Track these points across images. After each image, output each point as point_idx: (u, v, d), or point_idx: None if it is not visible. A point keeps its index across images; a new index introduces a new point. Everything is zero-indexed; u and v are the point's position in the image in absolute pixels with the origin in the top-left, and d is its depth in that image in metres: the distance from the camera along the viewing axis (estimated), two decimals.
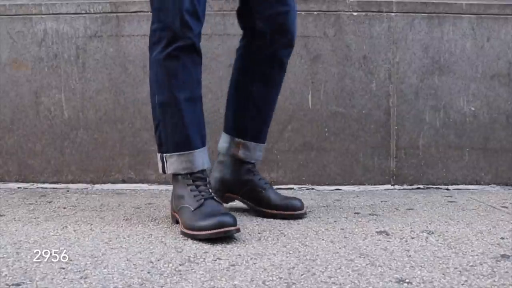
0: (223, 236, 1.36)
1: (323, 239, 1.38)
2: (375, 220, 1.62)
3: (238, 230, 1.38)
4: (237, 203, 1.76)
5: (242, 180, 1.71)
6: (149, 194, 2.11)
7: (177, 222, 1.51)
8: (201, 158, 1.53)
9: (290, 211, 1.63)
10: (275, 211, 1.64)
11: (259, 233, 1.45)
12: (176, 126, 1.51)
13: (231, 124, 1.73)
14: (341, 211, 1.76)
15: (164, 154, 1.54)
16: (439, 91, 2.36)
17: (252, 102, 1.70)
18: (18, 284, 1.02)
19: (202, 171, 1.53)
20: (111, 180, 2.36)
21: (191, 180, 1.51)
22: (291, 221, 1.59)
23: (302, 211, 1.64)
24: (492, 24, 2.36)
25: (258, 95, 1.69)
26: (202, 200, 1.46)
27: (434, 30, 2.35)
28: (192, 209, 1.44)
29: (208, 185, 1.52)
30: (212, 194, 1.50)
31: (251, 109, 1.70)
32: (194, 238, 1.38)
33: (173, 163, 1.52)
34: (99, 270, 1.11)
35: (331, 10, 2.34)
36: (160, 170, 1.57)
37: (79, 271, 1.10)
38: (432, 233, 1.45)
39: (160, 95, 1.52)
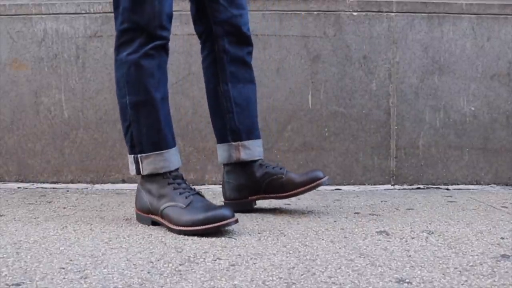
0: (225, 228, 1.40)
1: (323, 239, 1.38)
2: (375, 220, 1.62)
3: (237, 221, 1.41)
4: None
5: (258, 177, 1.71)
6: None
7: (154, 224, 1.51)
8: (176, 157, 1.55)
9: (316, 181, 1.65)
10: (302, 188, 1.66)
11: (259, 233, 1.45)
12: (153, 126, 1.51)
13: (222, 132, 1.74)
14: (341, 211, 1.76)
15: (139, 155, 1.53)
16: (439, 91, 2.36)
17: (233, 101, 1.71)
18: (18, 284, 1.02)
19: (177, 169, 1.55)
20: (111, 180, 2.36)
21: (171, 179, 1.51)
22: (291, 221, 1.59)
23: (326, 178, 1.67)
24: (492, 24, 2.36)
25: (235, 94, 1.71)
26: (191, 196, 1.46)
27: (434, 30, 2.35)
28: (184, 206, 1.44)
29: (186, 182, 1.53)
30: (195, 189, 1.51)
31: (234, 109, 1.71)
32: (196, 234, 1.38)
33: (150, 163, 1.51)
34: (99, 270, 1.11)
35: (331, 10, 2.34)
36: (134, 172, 1.55)
37: (79, 271, 1.10)
38: (432, 233, 1.45)
39: (133, 95, 1.52)
